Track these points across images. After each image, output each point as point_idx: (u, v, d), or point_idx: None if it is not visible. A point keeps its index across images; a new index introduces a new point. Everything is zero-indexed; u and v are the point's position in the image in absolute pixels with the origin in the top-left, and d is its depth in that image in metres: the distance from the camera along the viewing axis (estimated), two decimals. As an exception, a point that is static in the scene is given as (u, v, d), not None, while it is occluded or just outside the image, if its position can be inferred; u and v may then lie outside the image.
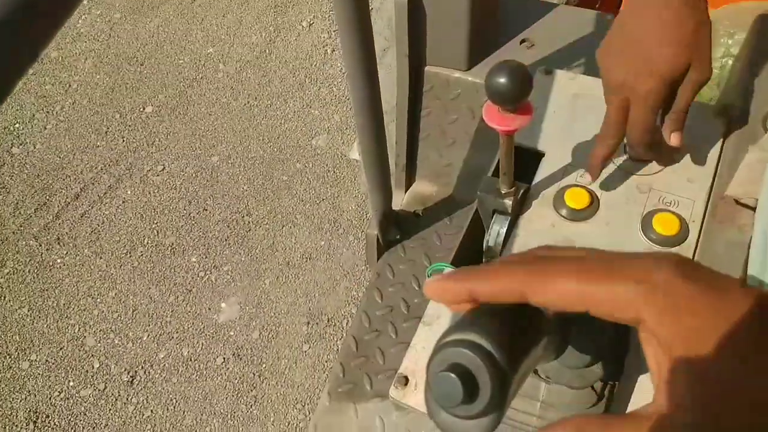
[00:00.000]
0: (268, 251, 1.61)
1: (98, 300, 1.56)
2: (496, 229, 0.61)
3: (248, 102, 1.84)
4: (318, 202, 1.66)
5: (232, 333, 1.49)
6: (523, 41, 0.85)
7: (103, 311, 1.55)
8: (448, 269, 0.61)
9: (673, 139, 0.55)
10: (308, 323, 1.49)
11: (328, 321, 1.49)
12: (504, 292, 0.25)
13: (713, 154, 0.62)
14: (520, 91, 0.47)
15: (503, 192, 0.59)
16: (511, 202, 0.59)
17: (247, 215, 1.66)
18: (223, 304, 1.55)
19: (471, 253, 0.67)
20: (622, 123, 0.54)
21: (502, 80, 0.46)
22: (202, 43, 1.97)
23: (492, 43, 0.85)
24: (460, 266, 0.63)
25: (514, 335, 0.26)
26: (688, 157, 0.62)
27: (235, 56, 1.93)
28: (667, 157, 0.61)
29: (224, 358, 1.46)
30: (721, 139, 0.63)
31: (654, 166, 0.62)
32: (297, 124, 1.79)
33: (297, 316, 1.51)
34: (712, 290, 0.21)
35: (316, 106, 1.80)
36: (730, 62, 0.74)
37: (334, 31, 1.93)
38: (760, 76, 0.65)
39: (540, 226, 0.60)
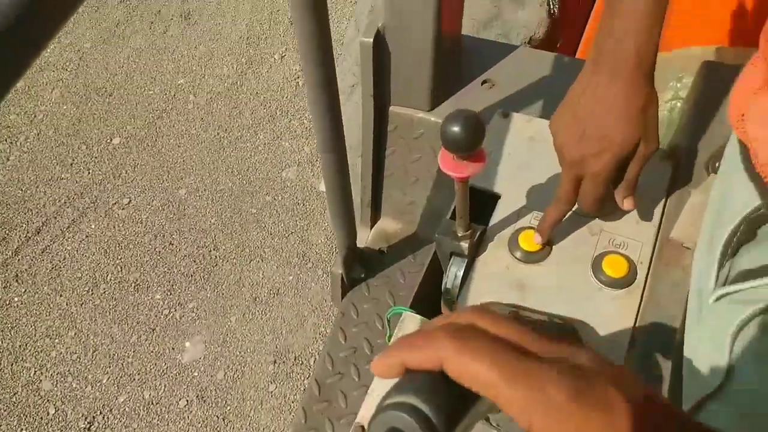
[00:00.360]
0: (235, 287, 1.60)
1: (56, 341, 1.53)
2: (454, 271, 0.63)
3: (218, 134, 1.86)
4: (287, 235, 1.67)
5: (196, 374, 1.47)
6: (484, 82, 0.89)
7: (61, 353, 1.51)
8: (407, 313, 0.63)
9: (626, 204, 0.59)
10: (275, 362, 1.48)
11: (295, 359, 1.48)
12: (428, 362, 0.27)
13: (660, 196, 0.66)
14: (472, 140, 0.50)
15: (459, 235, 0.62)
16: (467, 245, 0.62)
17: (213, 249, 1.66)
18: (187, 343, 1.53)
19: (431, 293, 0.68)
20: (574, 192, 0.58)
21: (456, 129, 0.49)
22: (173, 74, 1.99)
23: (454, 84, 0.89)
24: (419, 309, 0.65)
25: (453, 395, 0.27)
26: (638, 199, 0.66)
27: (206, 87, 1.96)
28: (616, 213, 0.64)
29: (187, 401, 1.43)
30: (669, 182, 0.67)
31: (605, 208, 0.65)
32: (267, 156, 1.81)
33: (263, 354, 1.50)
34: (598, 409, 0.24)
35: (287, 138, 1.83)
36: (679, 104, 0.79)
37: (306, 64, 1.97)
38: (705, 121, 0.69)
39: (495, 268, 0.62)
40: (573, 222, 0.64)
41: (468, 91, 0.88)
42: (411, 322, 0.62)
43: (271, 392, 1.43)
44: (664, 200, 0.65)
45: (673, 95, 0.78)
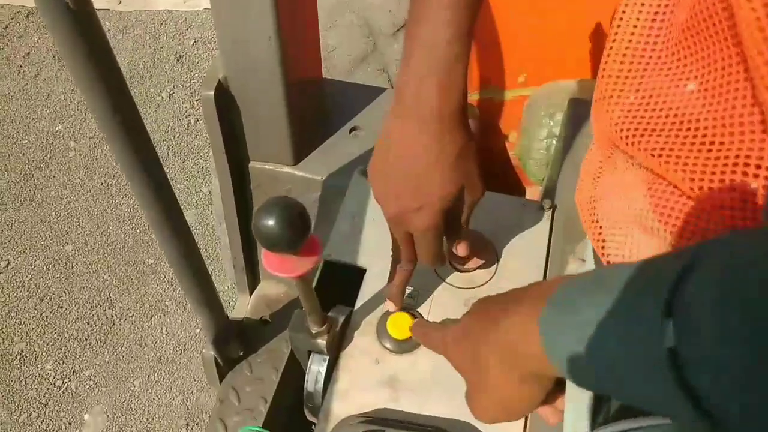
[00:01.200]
0: (136, 347, 1.41)
1: (-73, 435, 1.28)
2: (315, 371, 0.51)
3: (105, 181, 1.64)
4: (190, 284, 1.49)
5: (95, 451, 1.27)
6: (353, 129, 0.77)
7: (-67, 448, 1.26)
8: None
9: (461, 250, 0.51)
10: (187, 425, 1.31)
11: (209, 419, 1.31)
12: None
13: (541, 253, 0.56)
14: (294, 235, 0.38)
15: (314, 332, 0.49)
16: (325, 342, 0.49)
17: (109, 308, 1.45)
18: (86, 416, 1.32)
19: (292, 401, 0.55)
20: (412, 250, 0.48)
21: (270, 223, 0.37)
22: (50, 119, 1.75)
23: (320, 133, 0.76)
24: (279, 423, 0.52)
25: None
26: (518, 259, 0.56)
27: (88, 132, 1.73)
28: (494, 278, 0.54)
29: (86, 484, 1.23)
30: (548, 234, 0.58)
31: (482, 276, 0.55)
32: (162, 200, 1.61)
33: (174, 418, 1.31)
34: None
35: (182, 179, 1.64)
36: (554, 142, 0.71)
37: (196, 100, 1.78)
38: (576, 163, 0.61)
39: (363, 363, 0.50)
40: (448, 296, 0.53)
41: (335, 140, 0.76)
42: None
43: (181, 461, 1.26)
44: (545, 257, 0.56)
45: (548, 133, 0.70)
